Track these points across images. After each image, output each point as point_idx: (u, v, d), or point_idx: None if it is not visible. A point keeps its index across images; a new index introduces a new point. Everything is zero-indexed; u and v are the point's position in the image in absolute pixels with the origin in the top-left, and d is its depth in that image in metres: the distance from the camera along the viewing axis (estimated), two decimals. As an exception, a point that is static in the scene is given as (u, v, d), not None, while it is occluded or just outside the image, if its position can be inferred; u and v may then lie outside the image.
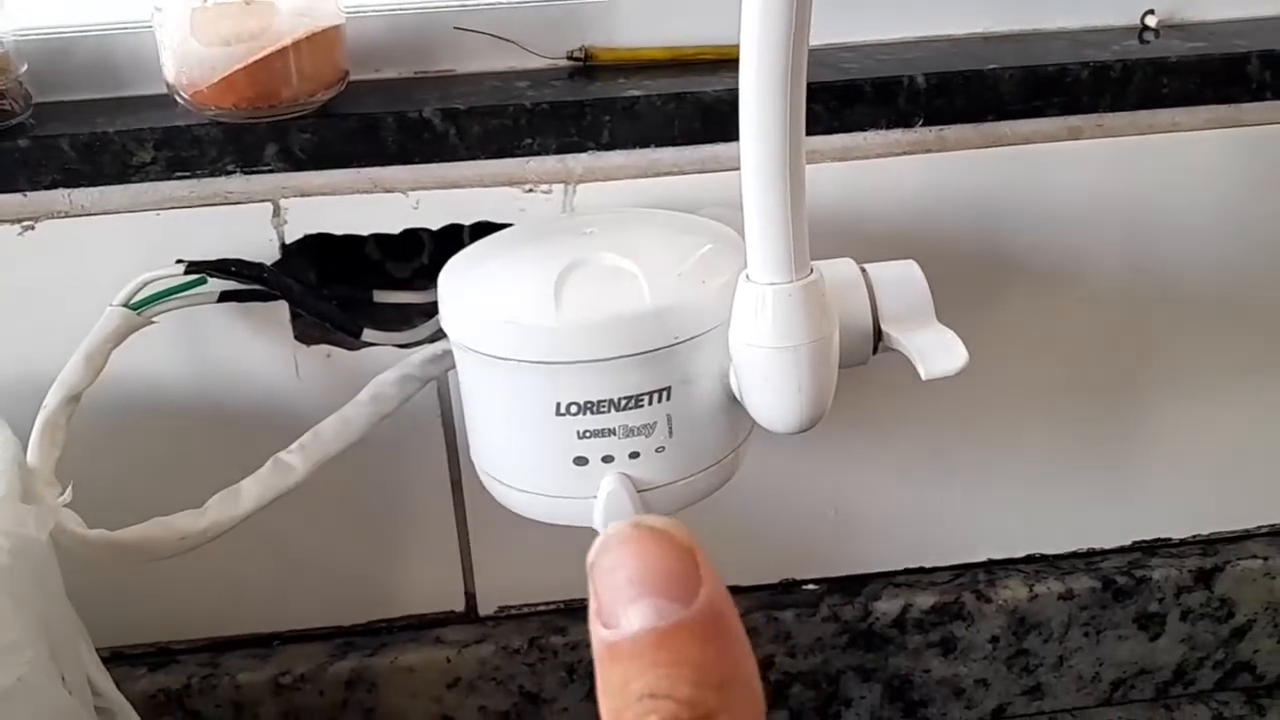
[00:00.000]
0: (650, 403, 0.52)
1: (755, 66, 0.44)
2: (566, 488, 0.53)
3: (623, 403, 0.51)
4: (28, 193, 0.61)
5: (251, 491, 0.58)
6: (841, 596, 0.75)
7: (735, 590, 0.75)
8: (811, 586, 0.76)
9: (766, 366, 0.49)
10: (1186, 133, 0.66)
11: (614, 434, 0.52)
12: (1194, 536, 0.79)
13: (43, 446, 0.56)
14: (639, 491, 0.53)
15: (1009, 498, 0.76)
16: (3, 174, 0.60)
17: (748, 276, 0.49)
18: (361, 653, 0.72)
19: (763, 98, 0.44)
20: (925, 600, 0.75)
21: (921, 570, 0.77)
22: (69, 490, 0.54)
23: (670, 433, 0.53)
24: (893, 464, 0.74)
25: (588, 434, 0.52)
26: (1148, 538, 0.78)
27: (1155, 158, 0.66)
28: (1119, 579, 0.76)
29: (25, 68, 0.62)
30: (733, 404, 0.53)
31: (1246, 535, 0.79)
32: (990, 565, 0.77)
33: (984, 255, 0.68)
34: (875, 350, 0.56)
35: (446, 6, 0.67)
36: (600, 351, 0.50)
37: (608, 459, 0.52)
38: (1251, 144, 0.67)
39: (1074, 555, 0.78)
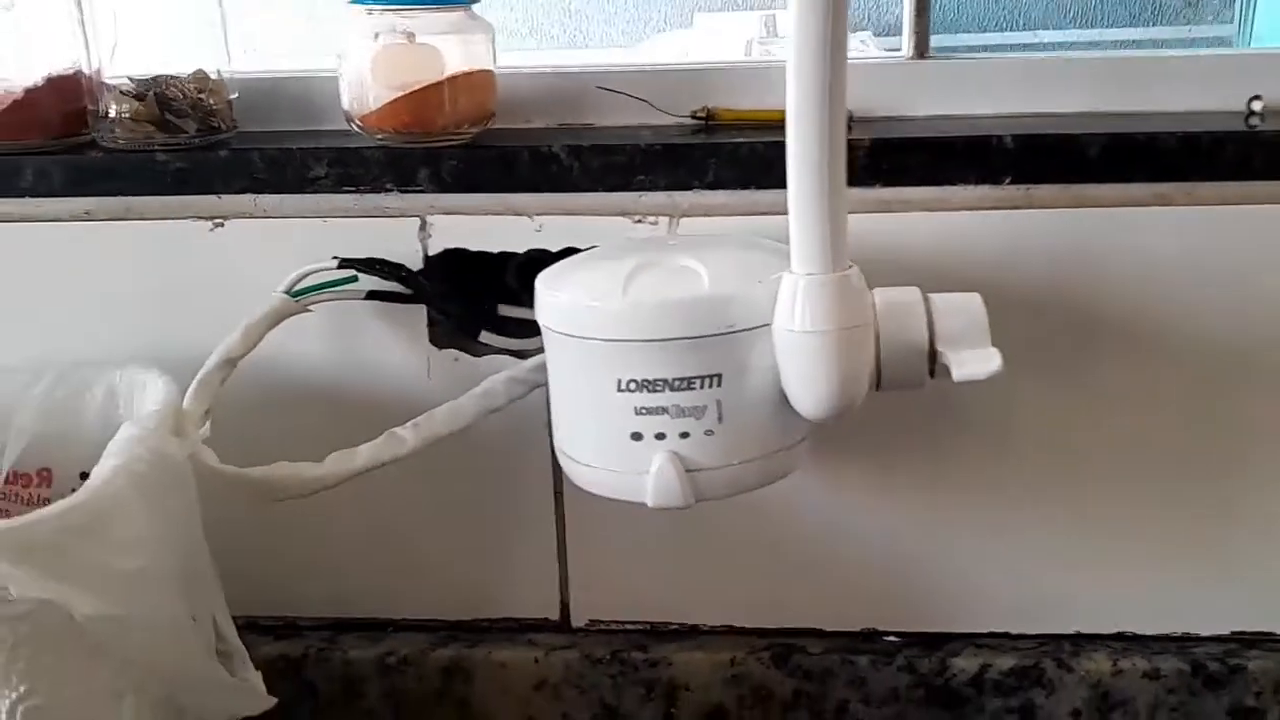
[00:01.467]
0: (702, 386, 0.57)
1: (795, 62, 0.50)
2: (623, 462, 0.59)
3: (676, 383, 0.57)
4: (222, 195, 0.73)
5: (365, 454, 0.67)
6: (920, 649, 0.76)
7: (816, 634, 0.78)
8: (893, 639, 0.78)
9: (798, 350, 0.54)
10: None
11: (666, 412, 0.57)
12: (1301, 635, 0.76)
13: (197, 396, 0.66)
14: (688, 472, 0.58)
15: (1100, 573, 0.76)
16: (204, 178, 0.72)
17: (790, 270, 0.54)
18: (461, 644, 0.78)
19: (802, 93, 0.50)
20: (1005, 662, 0.75)
21: (1006, 635, 0.77)
22: (208, 424, 0.63)
23: (720, 418, 0.58)
24: (984, 527, 0.75)
25: (644, 410, 0.58)
26: (1249, 630, 0.76)
27: (1248, 228, 0.68)
28: (1211, 665, 0.74)
29: (235, 95, 0.74)
30: (783, 403, 0.58)
31: (1358, 637, 0.76)
32: (1077, 638, 0.77)
33: (1069, 314, 0.70)
34: (931, 373, 0.60)
35: (592, 69, 0.77)
36: (658, 332, 0.56)
37: (660, 436, 0.58)
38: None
39: (1166, 638, 0.76)
